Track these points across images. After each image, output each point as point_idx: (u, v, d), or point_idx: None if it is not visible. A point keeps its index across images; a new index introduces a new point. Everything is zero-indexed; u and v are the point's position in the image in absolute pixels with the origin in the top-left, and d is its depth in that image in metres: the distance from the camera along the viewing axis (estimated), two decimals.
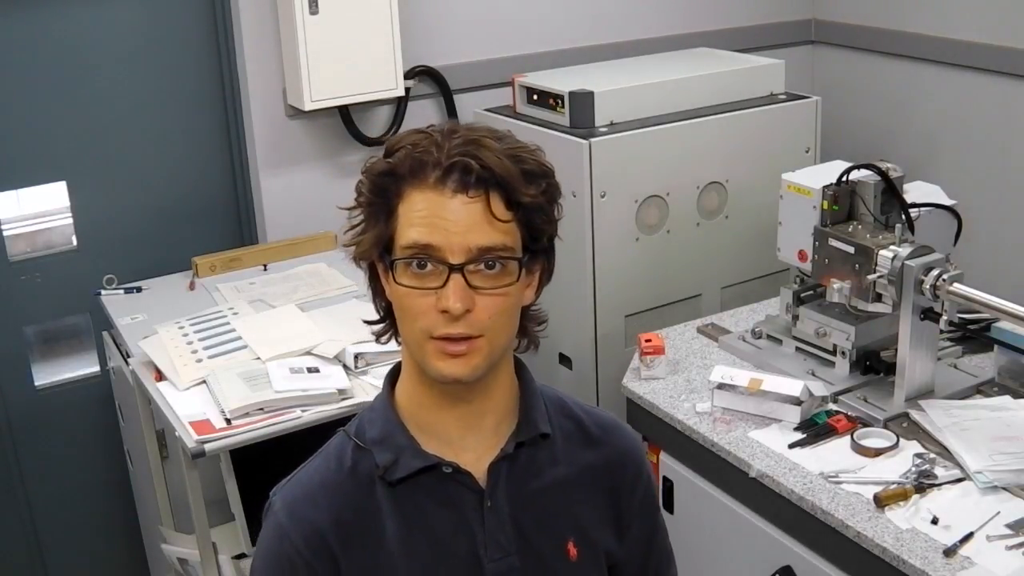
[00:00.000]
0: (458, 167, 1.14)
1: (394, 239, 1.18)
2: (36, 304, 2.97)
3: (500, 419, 1.28)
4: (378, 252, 1.20)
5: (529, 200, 1.18)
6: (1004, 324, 2.23)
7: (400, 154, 1.18)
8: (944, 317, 2.07)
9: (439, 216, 1.14)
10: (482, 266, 1.16)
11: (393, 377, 1.30)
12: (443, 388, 1.22)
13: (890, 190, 2.25)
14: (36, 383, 3.02)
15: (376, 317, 1.29)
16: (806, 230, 2.30)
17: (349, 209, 1.23)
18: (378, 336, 1.30)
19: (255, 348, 2.36)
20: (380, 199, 1.18)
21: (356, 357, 2.28)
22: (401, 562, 1.23)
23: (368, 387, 2.21)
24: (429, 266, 1.15)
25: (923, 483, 1.93)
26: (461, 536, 1.25)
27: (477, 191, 1.15)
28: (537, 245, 1.22)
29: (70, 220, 2.97)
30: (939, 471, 1.97)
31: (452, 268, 1.14)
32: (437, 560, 1.24)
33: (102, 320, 2.83)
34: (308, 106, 2.87)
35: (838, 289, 2.19)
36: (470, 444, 1.26)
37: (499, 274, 1.17)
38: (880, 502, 1.89)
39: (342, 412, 2.15)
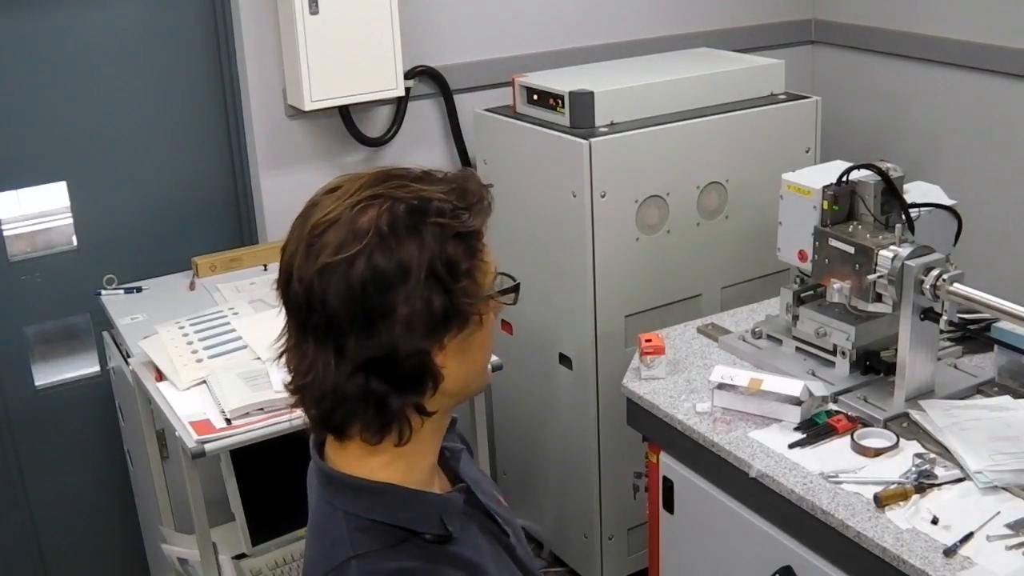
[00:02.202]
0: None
1: (480, 288, 1.16)
2: (36, 304, 2.97)
3: None
4: (458, 321, 1.14)
5: None
6: (1004, 324, 2.23)
7: (475, 211, 1.15)
8: (944, 317, 2.07)
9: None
10: None
11: (338, 481, 1.19)
12: (439, 431, 1.23)
13: (890, 190, 2.25)
14: (36, 383, 3.02)
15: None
16: (806, 230, 2.30)
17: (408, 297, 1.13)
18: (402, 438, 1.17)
19: (255, 348, 2.36)
20: (465, 259, 1.14)
21: None
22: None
23: None
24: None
25: (923, 483, 1.93)
26: (500, 542, 1.29)
27: None
28: None
29: (70, 220, 2.97)
30: (939, 471, 1.97)
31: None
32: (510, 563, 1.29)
33: (102, 320, 2.83)
34: (308, 106, 2.87)
35: (838, 289, 2.19)
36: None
37: None
38: (880, 502, 1.89)
39: None
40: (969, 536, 1.79)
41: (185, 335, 2.45)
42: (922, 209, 2.29)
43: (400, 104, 3.13)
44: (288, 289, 1.15)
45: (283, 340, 1.19)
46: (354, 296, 1.08)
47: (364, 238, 1.09)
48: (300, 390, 1.16)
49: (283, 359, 1.19)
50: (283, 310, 1.17)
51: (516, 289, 1.21)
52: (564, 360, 2.98)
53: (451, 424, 1.30)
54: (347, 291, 1.08)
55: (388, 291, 1.09)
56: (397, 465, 1.18)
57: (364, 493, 1.17)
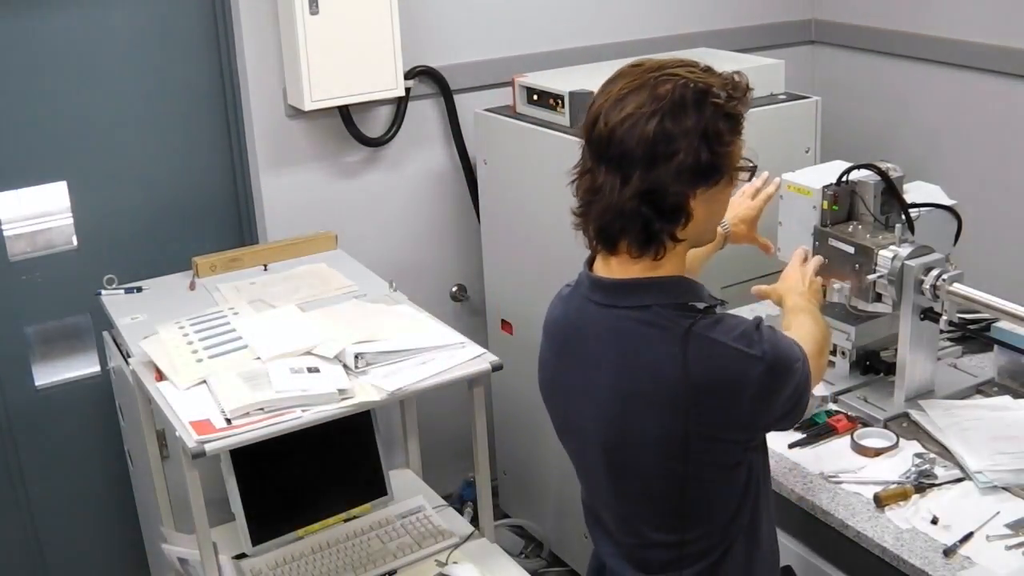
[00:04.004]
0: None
1: (733, 160, 1.55)
2: (36, 304, 2.97)
3: None
4: (713, 176, 1.52)
5: None
6: (1004, 324, 2.23)
7: (743, 100, 1.54)
8: (944, 317, 2.07)
9: None
10: None
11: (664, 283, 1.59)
12: (682, 254, 1.60)
13: (890, 190, 2.25)
14: (36, 383, 3.02)
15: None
16: (806, 230, 2.29)
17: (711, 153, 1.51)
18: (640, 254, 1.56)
19: (255, 348, 2.36)
20: (733, 135, 1.54)
21: (356, 357, 2.28)
22: None
23: (368, 387, 2.20)
24: None
25: (923, 483, 1.93)
26: None
27: None
28: None
29: (70, 220, 2.97)
30: (939, 471, 1.97)
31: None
32: None
33: (102, 320, 2.83)
34: (308, 106, 2.87)
35: (838, 289, 2.19)
36: None
37: None
38: (880, 502, 1.89)
39: (342, 412, 2.15)
40: (969, 536, 1.79)
41: (185, 335, 2.44)
42: (922, 209, 2.29)
43: (400, 104, 3.13)
44: (593, 128, 1.52)
45: (576, 169, 1.58)
46: (646, 141, 1.46)
47: (661, 102, 1.47)
48: (586, 207, 1.55)
49: (574, 185, 1.58)
50: (585, 146, 1.55)
51: (754, 170, 1.62)
52: None
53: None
54: (641, 137, 1.46)
55: (671, 143, 1.46)
56: (680, 263, 1.58)
57: (669, 285, 1.56)
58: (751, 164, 1.60)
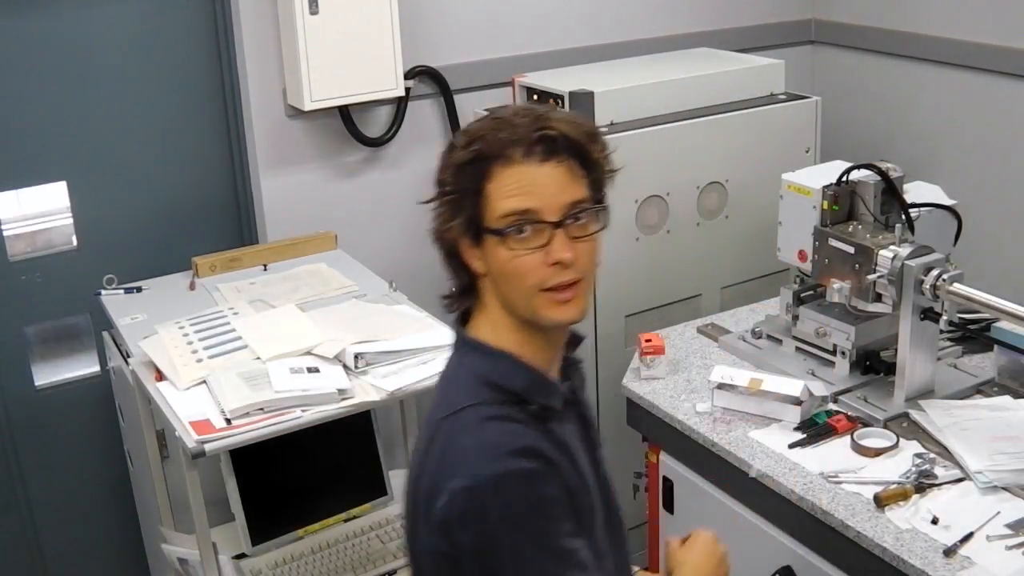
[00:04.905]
0: (545, 139, 1.34)
1: (484, 216, 1.35)
2: (36, 304, 2.96)
3: None
4: (471, 231, 1.37)
5: (597, 157, 1.40)
6: (1004, 324, 2.23)
7: (483, 141, 1.35)
8: (944, 317, 2.07)
9: (532, 184, 1.34)
10: (573, 219, 1.35)
11: (469, 344, 1.43)
12: (547, 334, 1.41)
13: (890, 190, 2.25)
14: (36, 383, 3.02)
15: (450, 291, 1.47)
16: (806, 230, 2.30)
17: (432, 200, 1.42)
18: (451, 307, 1.47)
19: (255, 348, 2.36)
20: (470, 184, 1.36)
21: (356, 357, 2.28)
22: (589, 480, 1.42)
23: (368, 387, 2.20)
24: (529, 229, 1.34)
25: (923, 483, 1.93)
26: (588, 452, 1.46)
27: (561, 156, 1.35)
28: (600, 195, 1.43)
29: (70, 220, 2.97)
30: (939, 471, 1.97)
31: (555, 225, 1.34)
32: (594, 475, 1.45)
33: (102, 320, 2.83)
34: (308, 106, 2.87)
35: (838, 289, 2.20)
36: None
37: (587, 223, 1.37)
38: (880, 502, 1.89)
39: (342, 412, 2.15)
40: (969, 536, 1.79)
41: (185, 335, 2.44)
42: (922, 209, 2.29)
43: (400, 104, 3.13)
44: None
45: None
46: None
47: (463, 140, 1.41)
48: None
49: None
50: None
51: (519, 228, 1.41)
52: None
53: (575, 340, 1.51)
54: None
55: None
56: (518, 339, 1.40)
57: (487, 355, 1.40)
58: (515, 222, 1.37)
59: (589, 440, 1.49)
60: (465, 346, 1.43)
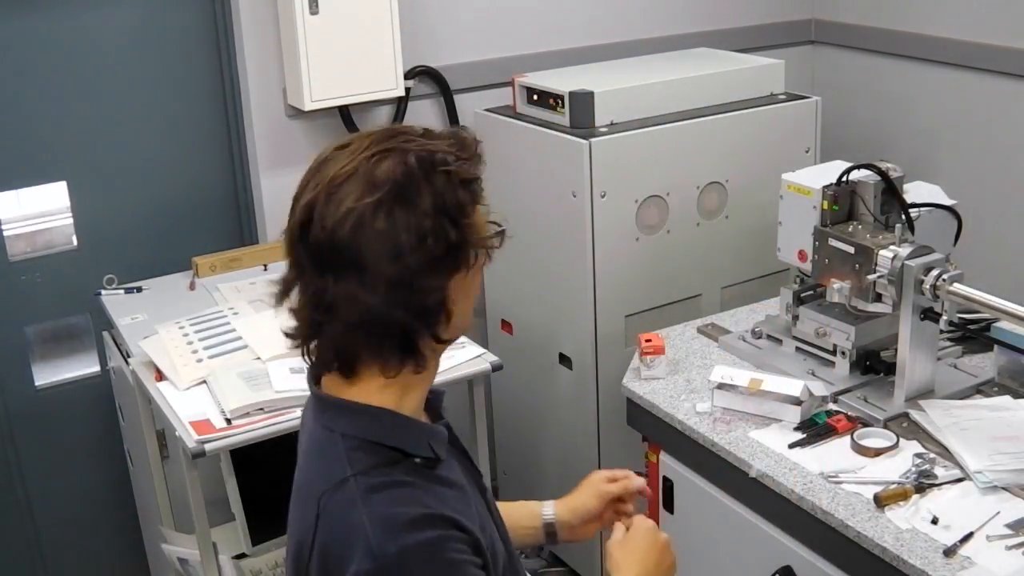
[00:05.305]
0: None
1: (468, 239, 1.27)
2: (36, 304, 2.97)
3: None
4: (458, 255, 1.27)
5: None
6: (1004, 324, 2.23)
7: (475, 160, 1.31)
8: (944, 317, 2.07)
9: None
10: None
11: (338, 405, 1.30)
12: (430, 371, 1.33)
13: (890, 190, 2.25)
14: (36, 383, 3.02)
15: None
16: (806, 230, 2.30)
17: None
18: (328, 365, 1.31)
19: (255, 348, 2.36)
20: (476, 203, 1.29)
21: None
22: (485, 518, 1.34)
23: None
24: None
25: (923, 483, 1.93)
26: (474, 483, 1.39)
27: None
28: None
29: (70, 220, 2.97)
30: (939, 471, 1.97)
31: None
32: (484, 506, 1.38)
33: (102, 320, 2.83)
34: (308, 106, 2.87)
35: (838, 289, 2.19)
36: None
37: None
38: (880, 502, 1.89)
39: None
40: (969, 536, 1.79)
41: (185, 335, 2.45)
42: (922, 209, 2.29)
43: (400, 104, 3.13)
44: (307, 234, 1.26)
45: (285, 286, 1.33)
46: (379, 237, 1.20)
47: (384, 187, 1.21)
48: (314, 327, 1.28)
49: (291, 300, 1.31)
50: (293, 256, 1.30)
51: (503, 233, 1.33)
52: (564, 360, 2.98)
53: None
54: (373, 233, 1.20)
55: (409, 232, 1.20)
56: (391, 392, 1.29)
57: (362, 416, 1.27)
58: (500, 228, 1.33)
59: (473, 471, 1.41)
60: (333, 408, 1.30)
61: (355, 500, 1.21)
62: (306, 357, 1.33)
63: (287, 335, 1.33)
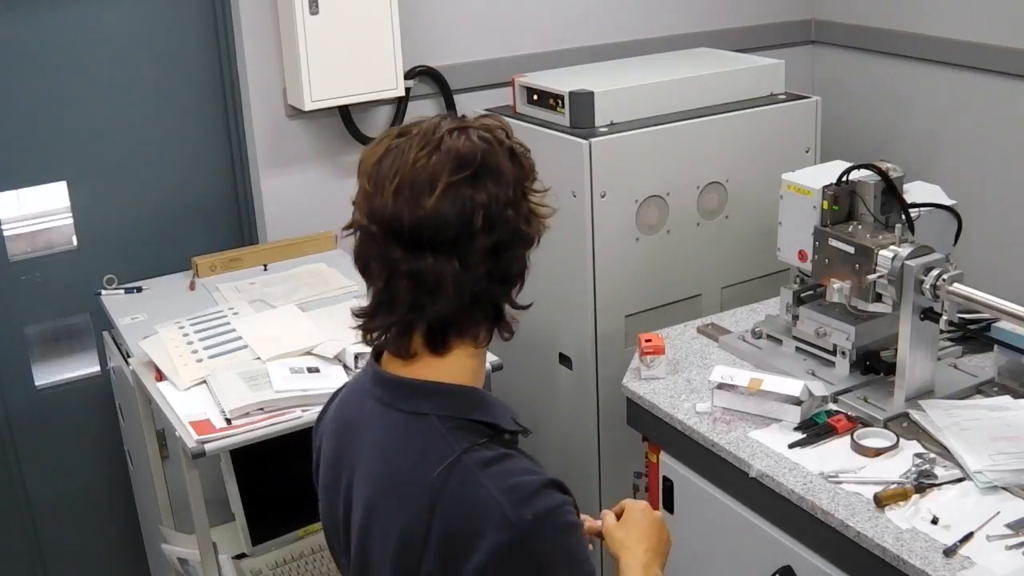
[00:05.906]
0: None
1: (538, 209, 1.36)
2: (36, 304, 2.97)
3: None
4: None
5: None
6: (1004, 324, 2.23)
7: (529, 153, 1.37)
8: (944, 317, 2.07)
9: None
10: None
11: (422, 387, 1.32)
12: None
13: (890, 190, 2.25)
14: (36, 383, 3.02)
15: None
16: (806, 230, 2.30)
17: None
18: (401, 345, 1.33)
19: (255, 348, 2.36)
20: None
21: (356, 357, 2.28)
22: None
23: None
24: None
25: (923, 483, 1.93)
26: None
27: None
28: None
29: (70, 220, 2.97)
30: (939, 471, 1.97)
31: None
32: None
33: (102, 320, 2.83)
34: (308, 106, 2.87)
35: (838, 289, 2.20)
36: None
37: None
38: (880, 502, 1.89)
39: None
40: (969, 536, 1.79)
41: (185, 335, 2.45)
42: (922, 209, 2.29)
43: (400, 104, 3.13)
44: (400, 220, 1.24)
45: (376, 291, 1.30)
46: (478, 208, 1.24)
47: (474, 161, 1.26)
48: (419, 311, 1.27)
49: (385, 286, 1.28)
50: (380, 248, 1.27)
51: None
52: (564, 360, 2.98)
53: None
54: (473, 205, 1.24)
55: (498, 203, 1.27)
56: (475, 364, 1.34)
57: (454, 396, 1.31)
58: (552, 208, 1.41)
59: None
60: (420, 391, 1.31)
61: (474, 476, 1.23)
62: (400, 340, 1.32)
63: (363, 317, 1.32)
